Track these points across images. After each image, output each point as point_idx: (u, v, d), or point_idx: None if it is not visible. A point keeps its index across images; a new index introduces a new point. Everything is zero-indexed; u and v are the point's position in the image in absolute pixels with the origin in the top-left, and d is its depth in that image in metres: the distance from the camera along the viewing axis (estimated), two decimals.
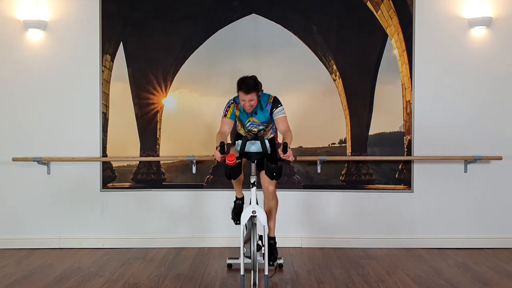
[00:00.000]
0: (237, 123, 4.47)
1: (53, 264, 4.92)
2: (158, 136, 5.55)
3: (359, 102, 5.53)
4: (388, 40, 5.50)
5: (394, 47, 5.51)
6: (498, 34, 5.48)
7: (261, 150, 4.20)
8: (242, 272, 4.01)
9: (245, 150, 4.19)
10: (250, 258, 4.11)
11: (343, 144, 5.53)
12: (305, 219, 5.55)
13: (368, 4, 5.49)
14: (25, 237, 5.51)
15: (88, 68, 5.51)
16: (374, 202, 5.53)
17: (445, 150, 5.49)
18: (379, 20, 5.50)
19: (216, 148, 4.08)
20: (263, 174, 4.30)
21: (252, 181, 4.22)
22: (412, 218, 5.52)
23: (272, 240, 4.52)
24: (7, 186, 5.53)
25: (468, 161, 5.46)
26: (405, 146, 5.53)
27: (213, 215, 5.54)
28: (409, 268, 4.74)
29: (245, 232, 4.28)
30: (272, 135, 4.54)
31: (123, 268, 4.78)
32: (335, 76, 5.52)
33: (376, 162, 5.53)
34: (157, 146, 5.55)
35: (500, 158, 5.43)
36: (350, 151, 5.53)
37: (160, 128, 5.55)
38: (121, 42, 5.52)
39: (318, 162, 5.43)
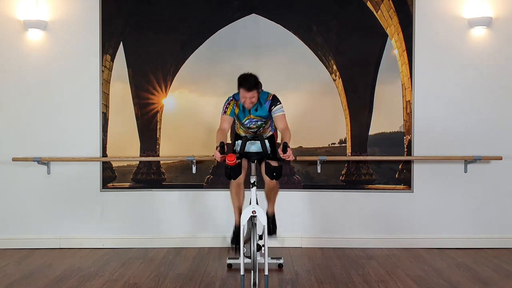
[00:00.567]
0: (236, 122, 4.47)
1: (53, 264, 4.92)
2: (158, 136, 5.55)
3: (359, 102, 5.53)
4: (388, 40, 5.50)
5: (394, 47, 5.51)
6: (498, 34, 5.48)
7: (261, 150, 4.20)
8: (242, 272, 4.01)
9: (245, 150, 4.19)
10: (250, 258, 4.11)
11: (343, 144, 5.53)
12: (305, 219, 5.55)
13: (368, 4, 5.49)
14: (25, 237, 5.51)
15: (88, 68, 5.51)
16: (374, 202, 5.53)
17: (445, 150, 5.49)
18: (379, 20, 5.50)
19: (216, 148, 4.08)
20: (263, 166, 4.36)
21: (252, 181, 4.22)
22: (412, 218, 5.52)
23: (271, 217, 4.61)
24: (7, 186, 5.53)
25: (468, 161, 5.46)
26: (405, 146, 5.53)
27: (213, 215, 5.54)
28: (409, 268, 4.74)
29: (245, 232, 4.28)
30: (271, 133, 4.54)
31: (123, 268, 4.78)
32: (335, 76, 5.52)
33: (376, 162, 5.53)
34: (157, 146, 5.55)
35: (500, 158, 5.43)
36: (350, 151, 5.53)
37: (160, 128, 5.55)
38: (121, 42, 5.52)
39: (318, 162, 5.43)
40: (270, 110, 4.28)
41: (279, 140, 4.70)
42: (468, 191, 5.52)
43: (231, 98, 4.33)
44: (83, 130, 5.52)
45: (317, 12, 5.51)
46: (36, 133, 5.51)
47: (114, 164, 5.56)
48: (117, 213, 5.55)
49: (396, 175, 5.54)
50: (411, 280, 4.40)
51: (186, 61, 5.52)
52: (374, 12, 5.50)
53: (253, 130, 4.41)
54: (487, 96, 5.50)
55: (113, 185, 5.56)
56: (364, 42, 5.51)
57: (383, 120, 5.52)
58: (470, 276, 4.52)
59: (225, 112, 4.30)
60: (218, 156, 4.06)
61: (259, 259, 4.31)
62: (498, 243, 5.48)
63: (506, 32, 5.48)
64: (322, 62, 5.52)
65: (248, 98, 4.15)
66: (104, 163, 5.55)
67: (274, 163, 4.24)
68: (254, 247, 4.04)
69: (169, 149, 5.54)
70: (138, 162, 5.56)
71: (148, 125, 5.55)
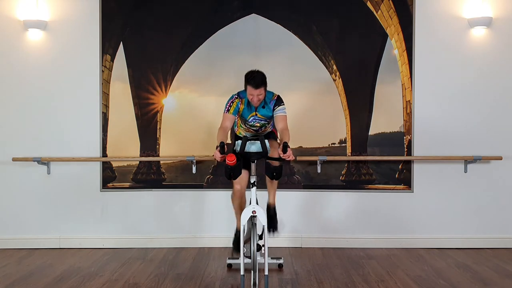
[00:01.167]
0: (236, 122, 4.47)
1: (53, 264, 4.92)
2: (158, 136, 5.55)
3: (359, 102, 5.53)
4: (388, 40, 5.50)
5: (394, 47, 5.51)
6: (498, 34, 5.48)
7: (261, 150, 4.20)
8: (242, 272, 4.01)
9: (245, 150, 4.19)
10: (250, 258, 4.11)
11: (343, 144, 5.53)
12: (305, 219, 5.55)
13: (368, 4, 5.49)
14: (25, 237, 5.51)
15: (88, 68, 5.51)
16: (374, 202, 5.53)
17: (445, 150, 5.49)
18: (379, 20, 5.50)
19: (216, 148, 4.08)
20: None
21: (252, 181, 4.22)
22: (412, 218, 5.52)
23: (272, 210, 4.60)
24: (7, 186, 5.53)
25: (468, 161, 5.46)
26: (405, 146, 5.53)
27: (213, 215, 5.54)
28: (409, 268, 4.74)
29: (245, 232, 4.28)
30: (270, 129, 4.54)
31: (123, 268, 4.78)
32: (335, 76, 5.52)
33: (376, 162, 5.53)
34: (157, 146, 5.55)
35: (500, 158, 5.43)
36: (350, 151, 5.53)
37: (160, 128, 5.55)
38: (121, 42, 5.52)
39: (318, 162, 5.43)
40: (273, 110, 4.28)
41: (278, 140, 4.70)
42: (468, 191, 5.52)
43: (236, 96, 4.31)
44: (83, 130, 5.52)
45: (317, 12, 5.51)
46: (36, 133, 5.51)
47: (114, 164, 5.56)
48: (117, 213, 5.55)
49: (396, 175, 5.54)
50: (411, 280, 4.40)
51: (186, 61, 5.52)
52: (374, 12, 5.50)
53: (255, 129, 4.40)
54: (487, 96, 5.50)
55: (113, 185, 5.56)
56: (364, 42, 5.51)
57: (383, 120, 5.52)
58: (470, 276, 4.52)
59: (228, 110, 4.28)
60: (218, 156, 4.06)
61: (259, 259, 4.31)
62: (498, 243, 5.48)
63: (506, 32, 5.48)
64: (322, 62, 5.52)
65: (256, 95, 4.14)
66: (104, 163, 5.55)
67: (274, 163, 4.23)
68: (254, 247, 4.04)
69: (169, 149, 5.54)
70: (138, 162, 5.56)
71: (148, 125, 5.55)
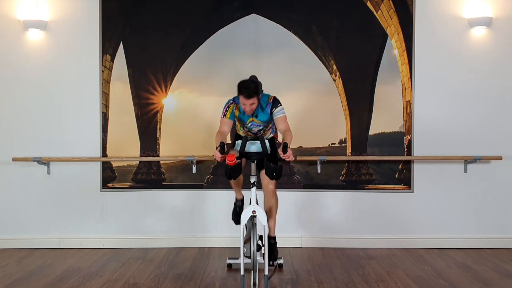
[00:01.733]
0: (236, 123, 4.47)
1: (53, 264, 4.92)
2: (158, 136, 5.55)
3: (359, 102, 5.53)
4: (388, 40, 5.50)
5: (394, 47, 5.51)
6: (498, 34, 5.48)
7: (261, 150, 4.20)
8: (242, 272, 4.01)
9: (245, 150, 4.19)
10: (250, 258, 4.11)
11: (343, 144, 5.53)
12: (305, 219, 5.55)
13: (368, 4, 5.49)
14: (25, 237, 5.51)
15: (88, 68, 5.51)
16: (374, 202, 5.53)
17: (445, 150, 5.49)
18: (379, 20, 5.50)
19: (216, 148, 4.08)
20: (263, 173, 4.30)
21: (252, 181, 4.22)
22: (412, 218, 5.52)
23: (272, 239, 4.52)
24: (7, 186, 5.53)
25: (468, 161, 5.46)
26: (405, 146, 5.53)
27: (213, 215, 5.54)
28: (409, 268, 4.74)
29: (245, 232, 4.28)
30: (271, 135, 4.54)
31: (123, 268, 4.78)
32: (335, 76, 5.52)
33: (376, 162, 5.53)
34: (157, 146, 5.55)
35: (500, 158, 5.43)
36: (350, 151, 5.53)
37: (160, 128, 5.55)
38: (121, 42, 5.52)
39: (318, 162, 5.43)
40: (271, 113, 4.28)
41: (279, 140, 4.70)
42: (468, 191, 5.52)
43: (231, 101, 4.32)
44: (83, 130, 5.52)
45: (317, 12, 5.51)
46: (36, 133, 5.51)
47: (114, 164, 5.56)
48: (117, 213, 5.55)
49: (396, 175, 5.54)
50: (411, 280, 4.40)
51: (186, 61, 5.52)
52: (374, 12, 5.50)
53: (253, 132, 4.41)
54: (487, 96, 5.50)
55: (113, 185, 5.56)
56: (364, 42, 5.51)
57: (383, 120, 5.52)
58: (470, 276, 4.52)
59: (224, 115, 4.30)
60: (218, 156, 4.06)
61: (259, 259, 4.31)
62: (498, 243, 5.48)
63: (506, 32, 5.48)
64: (322, 62, 5.52)
65: (248, 105, 4.15)
66: (104, 163, 5.55)
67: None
68: (254, 247, 4.04)
69: (169, 149, 5.54)
70: (138, 162, 5.56)
71: (148, 125, 5.55)
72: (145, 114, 5.55)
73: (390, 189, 5.54)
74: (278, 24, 5.51)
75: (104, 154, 5.53)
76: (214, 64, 5.52)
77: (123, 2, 5.53)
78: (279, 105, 4.28)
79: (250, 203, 4.17)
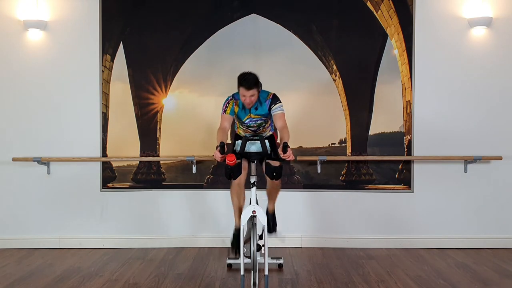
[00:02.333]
0: (235, 122, 4.48)
1: (53, 264, 4.92)
2: (158, 136, 5.55)
3: (359, 102, 5.53)
4: (388, 40, 5.50)
5: (394, 47, 5.51)
6: (498, 34, 5.48)
7: (261, 150, 4.21)
8: (242, 272, 4.01)
9: (245, 150, 4.19)
10: (250, 258, 4.11)
11: (343, 144, 5.53)
12: (305, 219, 5.55)
13: (368, 4, 5.49)
14: (25, 237, 5.51)
15: (88, 68, 5.51)
16: (374, 202, 5.53)
17: (445, 150, 5.49)
18: (379, 20, 5.50)
19: (216, 148, 4.08)
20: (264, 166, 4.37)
21: (252, 181, 4.22)
22: (412, 218, 5.52)
23: (271, 215, 4.66)
24: (7, 186, 5.53)
25: (468, 161, 5.46)
26: (405, 146, 5.53)
27: (213, 215, 5.54)
28: (409, 268, 4.74)
29: (245, 232, 4.28)
30: (271, 132, 4.54)
31: (123, 268, 4.78)
32: (335, 76, 5.52)
33: (376, 162, 5.53)
34: (157, 146, 5.55)
35: (500, 158, 5.43)
36: (350, 151, 5.53)
37: (160, 128, 5.55)
38: (121, 42, 5.52)
39: (318, 162, 5.43)
40: (270, 109, 4.28)
41: (278, 140, 4.70)
42: (468, 191, 5.52)
43: (231, 98, 4.34)
44: (83, 130, 5.52)
45: (317, 12, 5.51)
46: (36, 133, 5.51)
47: (114, 164, 5.56)
48: (117, 213, 5.55)
49: (396, 175, 5.54)
50: (411, 280, 4.40)
51: (186, 61, 5.53)
52: (374, 12, 5.50)
53: (253, 129, 4.41)
54: (487, 96, 5.50)
55: (113, 185, 5.56)
56: (364, 42, 5.51)
57: (383, 120, 5.52)
58: (470, 276, 4.52)
59: (224, 111, 4.31)
60: (218, 156, 4.06)
61: (259, 259, 4.31)
62: (498, 243, 5.48)
63: (506, 32, 5.48)
64: (322, 62, 5.52)
65: (248, 96, 4.16)
66: (104, 163, 5.55)
67: (274, 163, 4.24)
68: (254, 247, 4.04)
69: (169, 149, 5.54)
70: (138, 162, 5.56)
71: (148, 125, 5.55)
72: (145, 114, 5.55)
73: (390, 189, 5.54)
74: (278, 24, 5.51)
75: (104, 154, 5.53)
76: (214, 64, 5.52)
77: (123, 2, 5.53)
78: (278, 101, 4.29)
79: (250, 203, 4.17)
